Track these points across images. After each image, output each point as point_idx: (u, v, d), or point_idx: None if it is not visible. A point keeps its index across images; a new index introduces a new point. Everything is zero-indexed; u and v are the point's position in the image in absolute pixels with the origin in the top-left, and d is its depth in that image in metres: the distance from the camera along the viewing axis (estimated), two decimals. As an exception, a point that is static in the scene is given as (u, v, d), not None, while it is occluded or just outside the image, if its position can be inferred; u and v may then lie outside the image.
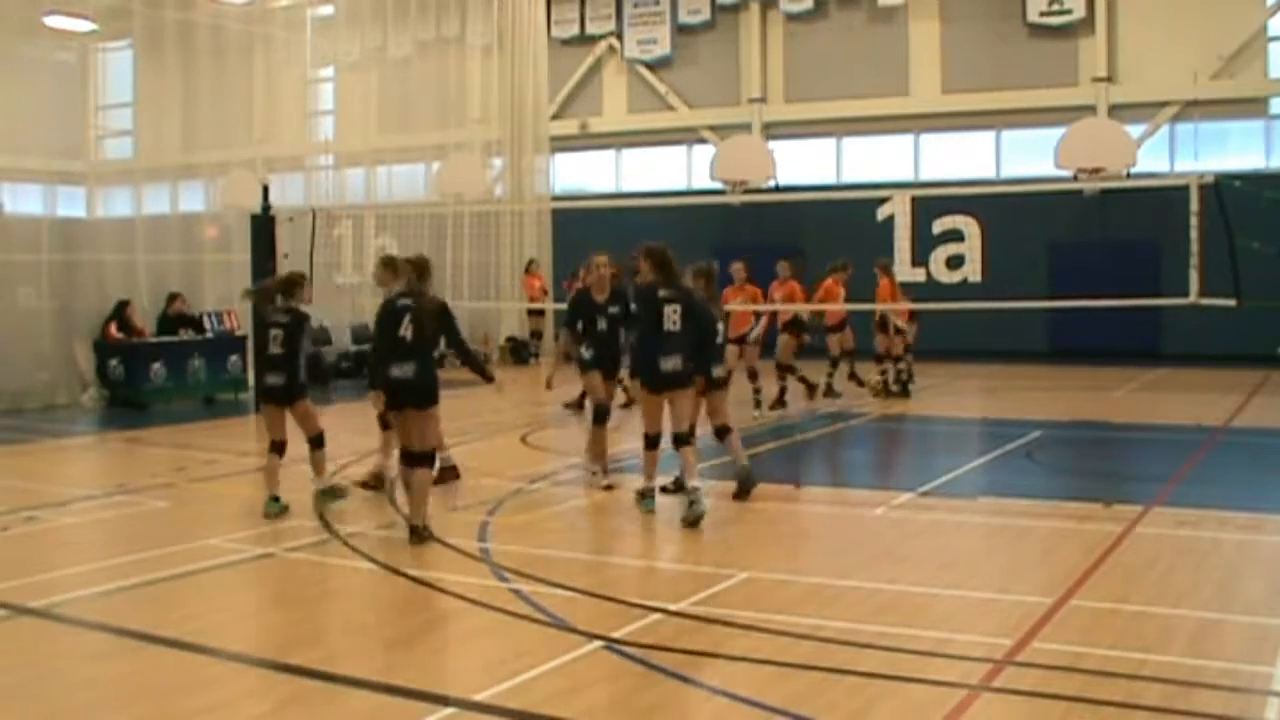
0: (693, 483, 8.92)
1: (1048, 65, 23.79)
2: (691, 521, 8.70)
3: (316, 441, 9.63)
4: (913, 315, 17.12)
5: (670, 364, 9.12)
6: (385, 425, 9.84)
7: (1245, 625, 6.38)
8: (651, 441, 9.30)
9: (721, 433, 9.97)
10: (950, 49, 24.75)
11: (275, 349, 9.39)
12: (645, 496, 9.39)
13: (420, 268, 8.82)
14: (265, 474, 9.54)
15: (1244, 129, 23.06)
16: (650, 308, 9.26)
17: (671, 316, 9.16)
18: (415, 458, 8.39)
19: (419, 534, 8.28)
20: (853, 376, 16.76)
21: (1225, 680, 5.48)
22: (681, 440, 9.18)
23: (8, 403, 16.17)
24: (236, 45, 21.86)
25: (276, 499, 9.32)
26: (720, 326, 10.28)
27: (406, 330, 8.41)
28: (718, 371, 9.89)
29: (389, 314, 8.49)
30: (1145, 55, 23.15)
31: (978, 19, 24.36)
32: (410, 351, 8.43)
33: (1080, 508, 9.48)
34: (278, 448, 9.49)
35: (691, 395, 9.40)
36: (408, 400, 8.40)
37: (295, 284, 9.69)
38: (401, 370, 8.38)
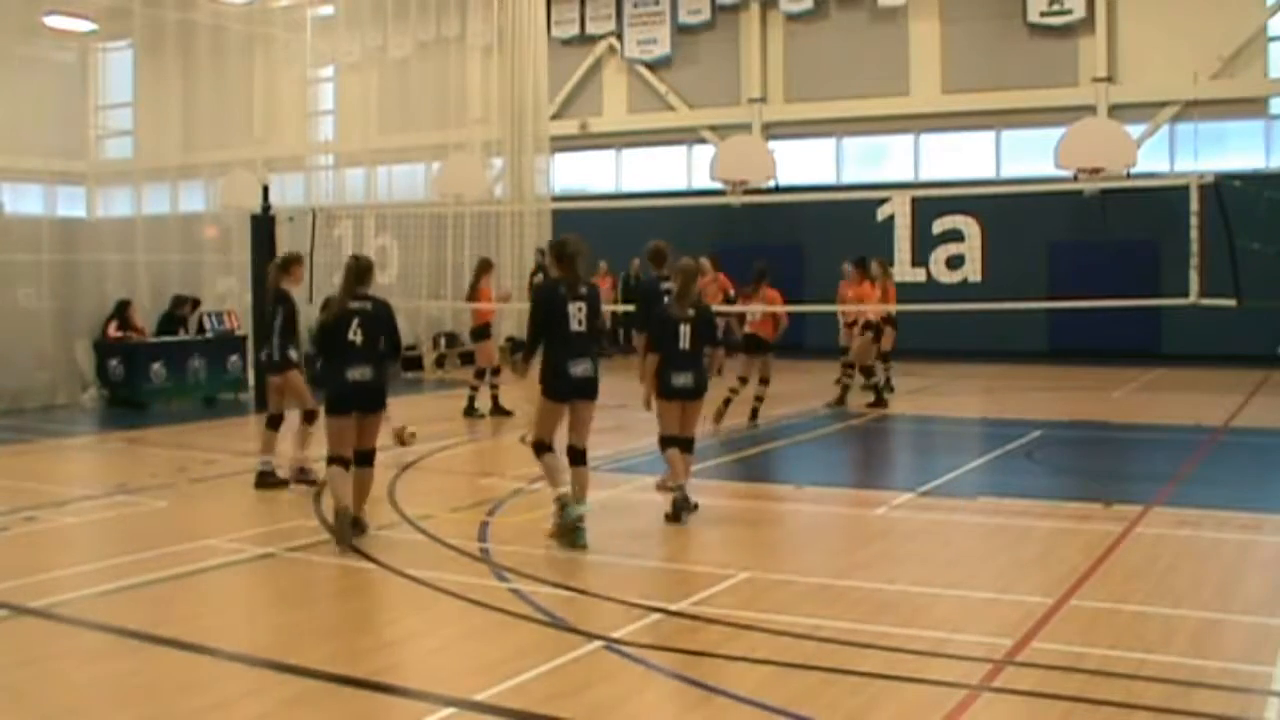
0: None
1: (1048, 65, 23.78)
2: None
3: None
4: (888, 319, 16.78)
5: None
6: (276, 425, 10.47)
7: (1245, 625, 6.38)
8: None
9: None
10: (950, 49, 24.74)
11: None
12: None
13: (361, 272, 8.68)
14: None
15: (1244, 129, 23.05)
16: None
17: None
18: (363, 456, 8.55)
19: (360, 525, 8.45)
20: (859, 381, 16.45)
21: (1225, 680, 5.48)
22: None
23: (8, 402, 16.16)
24: (236, 45, 21.84)
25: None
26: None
27: (356, 335, 8.45)
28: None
29: (340, 318, 8.45)
30: (1145, 55, 23.15)
31: (978, 19, 24.36)
32: (364, 356, 8.43)
33: (1080, 508, 9.48)
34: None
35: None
36: (364, 404, 8.52)
37: None
38: (359, 374, 8.41)
